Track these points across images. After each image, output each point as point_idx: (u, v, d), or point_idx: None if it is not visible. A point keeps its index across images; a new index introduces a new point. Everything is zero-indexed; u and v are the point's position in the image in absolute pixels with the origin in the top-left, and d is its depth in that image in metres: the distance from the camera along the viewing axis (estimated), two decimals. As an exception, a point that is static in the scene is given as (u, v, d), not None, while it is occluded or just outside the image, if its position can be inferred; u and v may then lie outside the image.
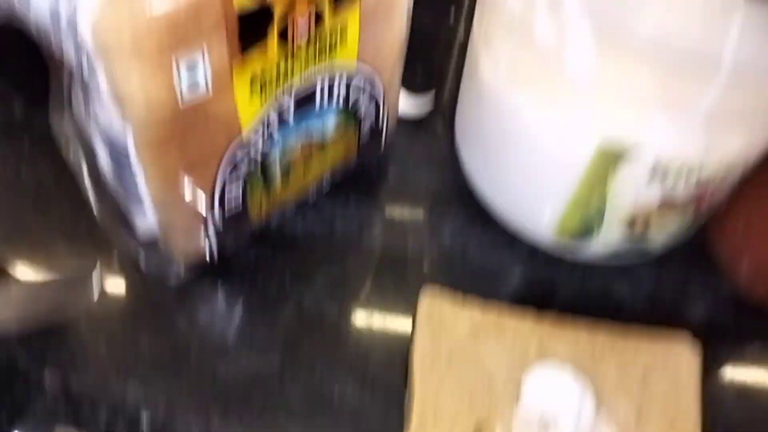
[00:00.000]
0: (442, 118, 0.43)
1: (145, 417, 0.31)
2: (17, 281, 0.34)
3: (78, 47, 0.24)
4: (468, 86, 0.37)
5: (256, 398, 0.32)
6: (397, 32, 0.33)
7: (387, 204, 0.40)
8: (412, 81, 0.42)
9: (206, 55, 0.25)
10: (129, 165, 0.29)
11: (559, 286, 0.37)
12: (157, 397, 0.32)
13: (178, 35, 0.24)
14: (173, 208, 0.32)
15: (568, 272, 0.38)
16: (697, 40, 0.24)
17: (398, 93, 0.38)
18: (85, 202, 0.36)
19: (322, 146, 0.35)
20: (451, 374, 0.31)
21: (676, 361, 0.33)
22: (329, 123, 0.34)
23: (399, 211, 0.39)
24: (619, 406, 0.31)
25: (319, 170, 0.36)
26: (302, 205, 0.38)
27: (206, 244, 0.34)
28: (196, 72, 0.26)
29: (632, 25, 0.24)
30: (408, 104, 0.42)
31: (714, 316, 0.37)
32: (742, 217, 0.36)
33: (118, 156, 0.29)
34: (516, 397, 0.31)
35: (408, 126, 0.43)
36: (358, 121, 0.35)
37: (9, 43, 0.32)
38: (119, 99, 0.26)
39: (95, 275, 0.34)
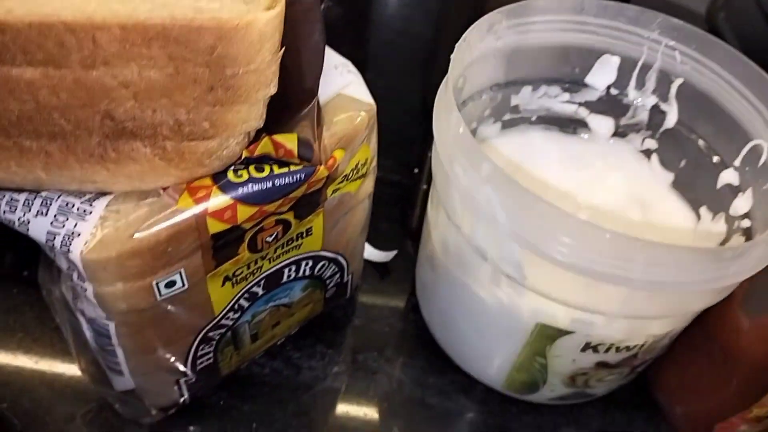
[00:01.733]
0: (405, 264, 0.47)
1: None
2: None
3: (69, 263, 0.28)
4: (423, 254, 0.40)
5: None
6: (359, 219, 0.37)
7: (351, 349, 0.43)
8: (377, 238, 0.46)
9: (183, 272, 0.28)
10: (111, 346, 0.32)
11: (512, 429, 0.40)
12: None
13: (158, 263, 0.27)
14: (150, 376, 0.35)
15: (520, 414, 0.41)
16: (608, 266, 0.27)
17: (362, 255, 0.42)
18: (67, 351, 0.38)
19: (289, 308, 0.38)
20: None
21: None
22: (296, 290, 0.37)
23: (362, 356, 0.42)
24: None
25: (287, 327, 0.39)
26: (271, 350, 0.41)
27: (178, 394, 0.37)
28: (174, 282, 0.29)
29: (552, 251, 0.28)
30: (374, 254, 0.45)
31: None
32: (676, 369, 0.39)
33: (100, 337, 0.32)
34: None
35: (375, 268, 0.46)
36: (324, 285, 0.38)
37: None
38: (104, 305, 0.29)
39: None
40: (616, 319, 0.32)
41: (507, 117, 0.43)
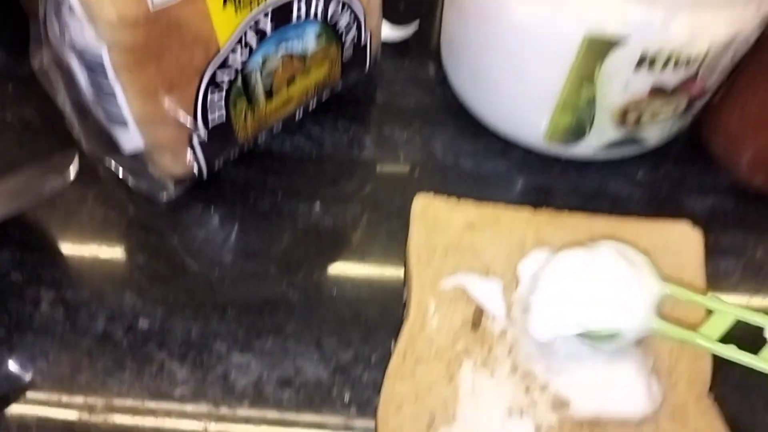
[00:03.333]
0: (426, 39, 0.43)
1: (143, 323, 0.32)
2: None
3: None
4: (450, 7, 0.36)
5: (254, 300, 0.32)
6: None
7: (375, 122, 0.39)
8: (394, 12, 0.41)
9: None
10: (109, 86, 0.29)
11: (554, 188, 0.37)
12: (155, 304, 0.32)
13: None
14: (157, 126, 0.31)
15: (563, 172, 0.38)
16: None
17: (380, 15, 0.37)
18: (70, 136, 0.35)
19: (303, 60, 0.34)
20: (447, 266, 0.31)
21: (678, 242, 0.32)
22: (309, 36, 0.33)
23: (388, 128, 0.39)
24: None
25: (304, 88, 0.36)
26: (289, 126, 0.38)
27: (193, 159, 0.34)
28: (165, -18, 0.25)
29: None
30: (392, 32, 0.41)
31: (714, 207, 0.37)
32: (737, 107, 0.35)
33: (97, 78, 0.29)
34: (514, 284, 0.31)
35: (393, 49, 0.42)
36: (340, 38, 0.34)
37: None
38: (91, 15, 0.25)
39: (72, 159, 0.33)
40: (676, 16, 0.27)
41: None
